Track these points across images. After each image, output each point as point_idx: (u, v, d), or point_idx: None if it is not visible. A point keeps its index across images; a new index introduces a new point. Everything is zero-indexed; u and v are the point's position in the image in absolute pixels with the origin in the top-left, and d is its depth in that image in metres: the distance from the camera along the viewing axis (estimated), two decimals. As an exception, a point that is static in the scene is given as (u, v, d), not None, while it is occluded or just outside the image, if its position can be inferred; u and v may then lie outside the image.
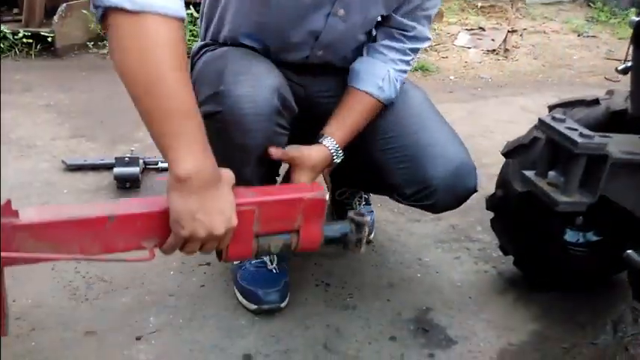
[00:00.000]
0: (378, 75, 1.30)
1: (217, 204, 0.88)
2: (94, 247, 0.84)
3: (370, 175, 1.42)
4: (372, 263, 1.61)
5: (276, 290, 1.37)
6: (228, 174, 0.92)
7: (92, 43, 3.73)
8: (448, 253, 1.68)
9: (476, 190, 1.33)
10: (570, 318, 1.42)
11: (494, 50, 3.97)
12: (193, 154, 0.84)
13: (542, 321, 1.40)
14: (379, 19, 1.29)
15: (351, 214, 1.07)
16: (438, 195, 1.29)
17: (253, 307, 1.36)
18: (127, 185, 1.92)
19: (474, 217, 1.84)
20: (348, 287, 1.50)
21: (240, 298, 1.39)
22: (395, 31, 1.31)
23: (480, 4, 5.14)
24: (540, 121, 0.96)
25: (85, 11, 3.69)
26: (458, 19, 4.66)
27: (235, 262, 1.46)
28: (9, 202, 0.78)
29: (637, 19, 0.96)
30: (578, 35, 4.51)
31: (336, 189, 1.72)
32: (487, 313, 1.43)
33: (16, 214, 0.78)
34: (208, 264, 1.55)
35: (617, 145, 0.96)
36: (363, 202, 1.73)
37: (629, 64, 1.05)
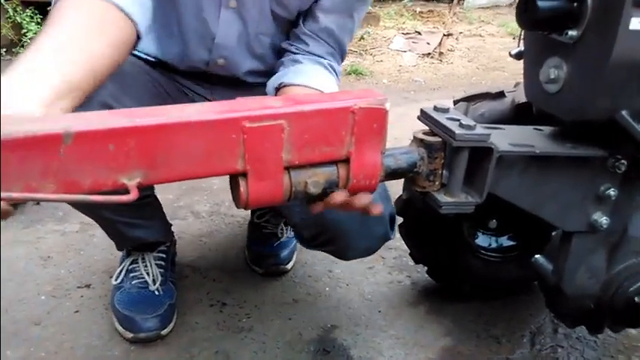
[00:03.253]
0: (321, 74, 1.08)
1: None
2: (46, 185, 0.52)
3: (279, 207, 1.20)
4: (277, 278, 1.46)
5: (156, 315, 1.21)
6: None
7: (4, 49, 3.48)
8: (361, 263, 1.55)
9: (389, 238, 1.08)
10: (485, 331, 1.30)
11: (429, 54, 3.91)
12: None
13: (455, 335, 1.28)
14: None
15: (418, 133, 0.77)
16: (340, 242, 1.07)
17: (129, 335, 1.19)
18: None
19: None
20: (247, 306, 1.35)
21: (117, 325, 1.22)
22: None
23: (418, 10, 5.10)
24: (421, 111, 0.83)
25: (-6, 15, 3.44)
26: (394, 24, 4.60)
27: (114, 282, 1.29)
28: None
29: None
30: (514, 38, 4.51)
31: (257, 210, 1.54)
32: (396, 328, 1.30)
33: None
34: (88, 286, 1.37)
35: (508, 137, 0.84)
36: (287, 228, 1.53)
37: (522, 48, 0.95)
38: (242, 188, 0.62)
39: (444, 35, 4.20)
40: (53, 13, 0.73)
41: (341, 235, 1.05)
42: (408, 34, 4.30)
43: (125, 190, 0.55)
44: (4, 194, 0.50)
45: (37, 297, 1.33)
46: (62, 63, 0.65)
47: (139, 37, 0.84)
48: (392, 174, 0.72)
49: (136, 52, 1.10)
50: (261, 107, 0.60)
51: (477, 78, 3.60)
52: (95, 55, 0.70)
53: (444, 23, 4.70)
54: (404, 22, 4.67)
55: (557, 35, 0.78)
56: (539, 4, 0.75)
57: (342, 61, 1.17)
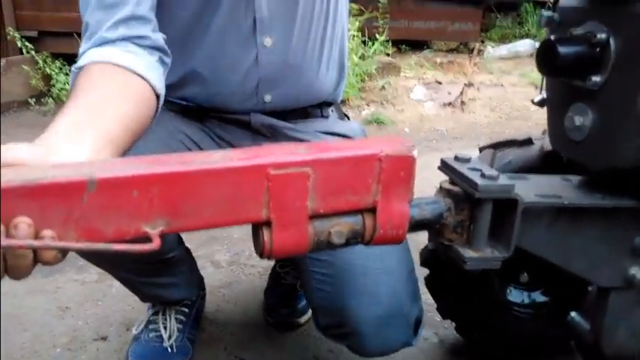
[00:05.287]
0: None
1: None
2: (68, 232, 0.51)
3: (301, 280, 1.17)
4: (298, 332, 1.42)
5: (165, 373, 1.17)
6: None
7: (34, 100, 3.60)
8: (385, 317, 1.50)
9: (410, 344, 1.04)
10: (517, 392, 1.24)
11: (450, 103, 3.92)
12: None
13: (485, 397, 1.22)
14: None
15: (444, 183, 0.75)
16: (357, 339, 1.00)
17: (140, 390, 1.16)
18: None
19: (417, 274, 1.66)
20: (266, 362, 1.30)
21: (129, 378, 1.19)
22: None
23: (438, 60, 5.15)
24: (442, 161, 0.81)
25: (25, 67, 3.57)
26: (415, 74, 4.64)
27: (134, 332, 1.27)
28: None
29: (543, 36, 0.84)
30: (536, 88, 4.51)
31: (281, 260, 1.50)
32: (422, 388, 1.24)
33: None
34: (104, 339, 1.35)
35: (533, 187, 0.81)
36: None
37: (545, 94, 0.93)
38: (266, 238, 0.59)
39: (465, 85, 4.22)
40: (80, 79, 0.75)
41: (359, 333, 0.98)
42: (428, 83, 4.33)
43: (147, 239, 0.53)
44: (25, 242, 0.48)
45: (53, 349, 1.30)
46: (98, 119, 0.66)
47: (158, 99, 0.84)
48: (417, 225, 0.69)
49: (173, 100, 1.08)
50: (286, 153, 0.58)
51: (499, 127, 3.58)
52: (124, 112, 0.71)
53: (464, 73, 4.72)
54: (424, 73, 4.71)
55: (580, 81, 0.76)
56: (560, 50, 0.73)
57: None
